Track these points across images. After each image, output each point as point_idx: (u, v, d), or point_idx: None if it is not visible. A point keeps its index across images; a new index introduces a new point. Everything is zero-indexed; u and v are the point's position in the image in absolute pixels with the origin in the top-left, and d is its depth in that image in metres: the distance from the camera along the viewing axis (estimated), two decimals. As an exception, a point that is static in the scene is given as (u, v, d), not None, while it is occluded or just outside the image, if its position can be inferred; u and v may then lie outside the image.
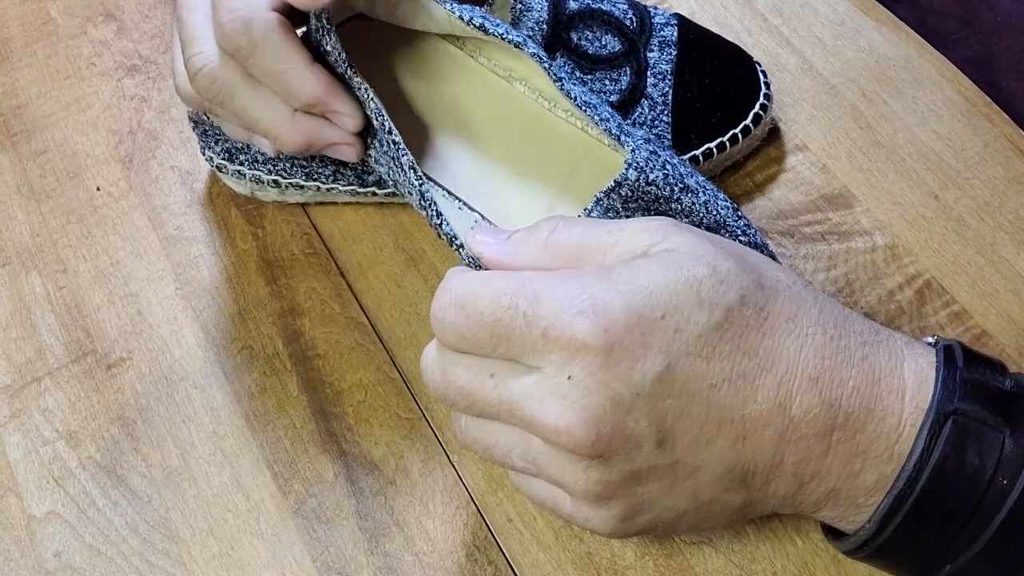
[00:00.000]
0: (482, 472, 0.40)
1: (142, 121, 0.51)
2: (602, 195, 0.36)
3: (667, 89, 0.44)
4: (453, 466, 0.40)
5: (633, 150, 0.36)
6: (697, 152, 0.44)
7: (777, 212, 0.46)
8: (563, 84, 0.38)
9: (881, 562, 0.33)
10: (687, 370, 0.30)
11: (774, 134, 0.48)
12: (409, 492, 0.39)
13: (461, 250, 0.37)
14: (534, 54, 0.38)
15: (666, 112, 0.44)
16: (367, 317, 0.44)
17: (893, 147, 0.47)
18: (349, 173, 0.45)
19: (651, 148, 0.36)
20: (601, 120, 0.37)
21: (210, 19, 0.38)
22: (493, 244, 0.33)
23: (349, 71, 0.38)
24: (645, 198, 0.36)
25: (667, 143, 0.44)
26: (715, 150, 0.45)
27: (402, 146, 0.38)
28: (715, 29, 0.48)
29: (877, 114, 0.48)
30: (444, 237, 0.38)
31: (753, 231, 0.37)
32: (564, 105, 0.41)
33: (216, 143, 0.45)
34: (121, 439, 0.41)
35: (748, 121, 0.45)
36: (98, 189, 0.49)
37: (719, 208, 0.37)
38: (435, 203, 0.38)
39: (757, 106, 0.45)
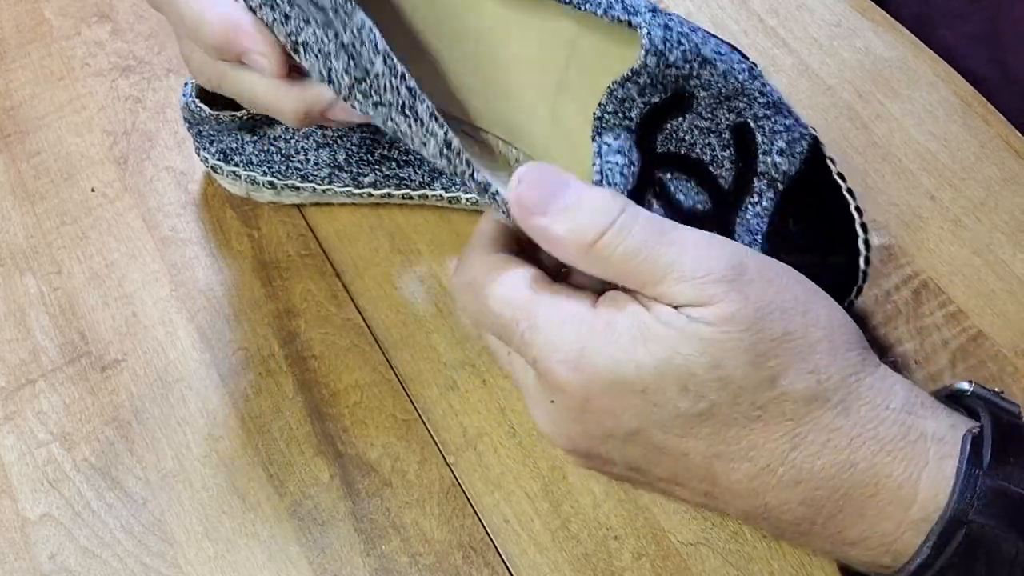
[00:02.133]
0: (479, 473, 0.40)
1: (136, 122, 0.51)
2: (616, 86, 0.32)
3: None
4: (449, 467, 0.40)
5: (649, 32, 0.31)
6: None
7: (773, 213, 0.46)
8: None
9: None
10: (658, 437, 0.30)
11: (770, 135, 0.48)
12: (405, 493, 0.39)
13: (496, 198, 0.32)
14: None
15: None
16: (363, 318, 0.44)
17: (889, 148, 0.47)
18: (345, 175, 0.45)
19: (662, 22, 0.32)
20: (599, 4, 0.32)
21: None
22: (536, 219, 0.30)
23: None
24: (664, 81, 0.32)
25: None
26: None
27: (418, 92, 0.31)
28: (711, 30, 0.48)
29: (873, 115, 0.48)
30: (476, 187, 0.32)
31: (770, 89, 0.34)
32: None
33: (211, 144, 0.45)
34: (116, 441, 0.41)
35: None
36: (92, 190, 0.48)
37: (736, 75, 0.33)
38: (461, 151, 0.31)
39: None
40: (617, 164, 0.33)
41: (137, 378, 0.43)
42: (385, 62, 0.30)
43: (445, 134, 0.31)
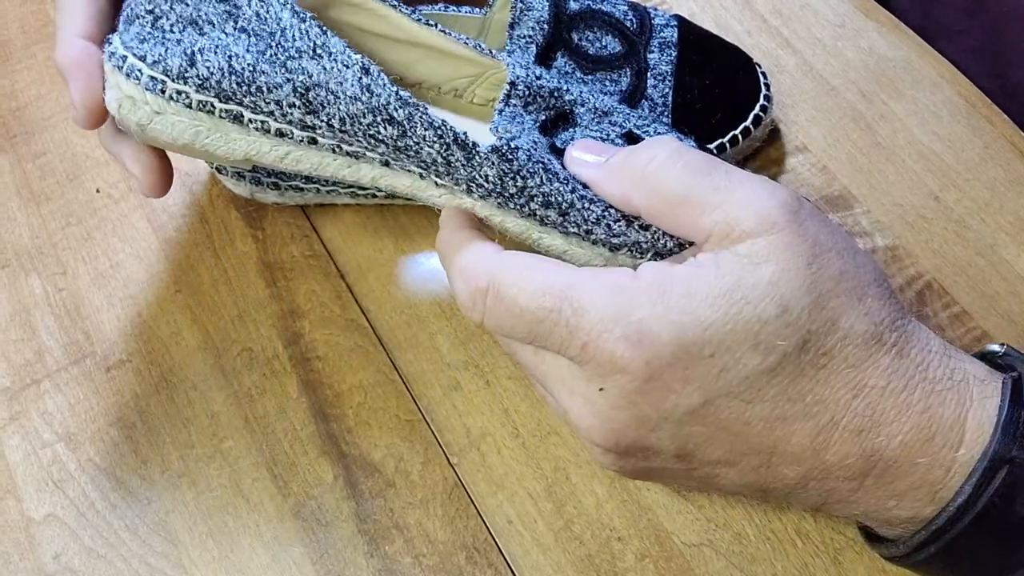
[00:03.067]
0: (482, 474, 0.40)
1: (142, 123, 0.51)
2: (502, 104, 0.34)
3: (667, 90, 0.44)
4: (453, 468, 0.40)
5: (509, 52, 0.36)
6: (697, 153, 0.44)
7: (777, 213, 0.46)
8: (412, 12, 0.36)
9: (916, 570, 0.32)
10: (723, 408, 0.28)
11: (774, 135, 0.48)
12: (409, 494, 0.39)
13: (458, 134, 0.33)
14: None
15: (666, 113, 0.44)
16: (367, 319, 0.44)
17: (893, 148, 0.47)
18: (349, 175, 0.45)
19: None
20: (464, 41, 0.36)
21: None
22: (591, 167, 0.32)
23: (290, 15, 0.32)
24: (542, 94, 0.35)
25: None
26: (715, 151, 0.45)
27: (330, 31, 0.32)
28: (715, 30, 0.48)
29: (877, 115, 0.48)
30: (430, 129, 0.33)
31: (637, 115, 0.37)
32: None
33: (216, 145, 0.45)
34: (120, 442, 0.41)
35: (748, 123, 0.45)
36: (98, 191, 0.49)
37: (602, 97, 0.36)
38: (382, 76, 0.33)
39: (757, 107, 0.45)
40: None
41: (142, 379, 0.43)
42: (293, 13, 0.32)
43: (362, 59, 0.32)
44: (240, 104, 0.34)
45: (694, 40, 0.45)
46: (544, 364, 0.31)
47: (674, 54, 0.45)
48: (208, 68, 0.33)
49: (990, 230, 0.44)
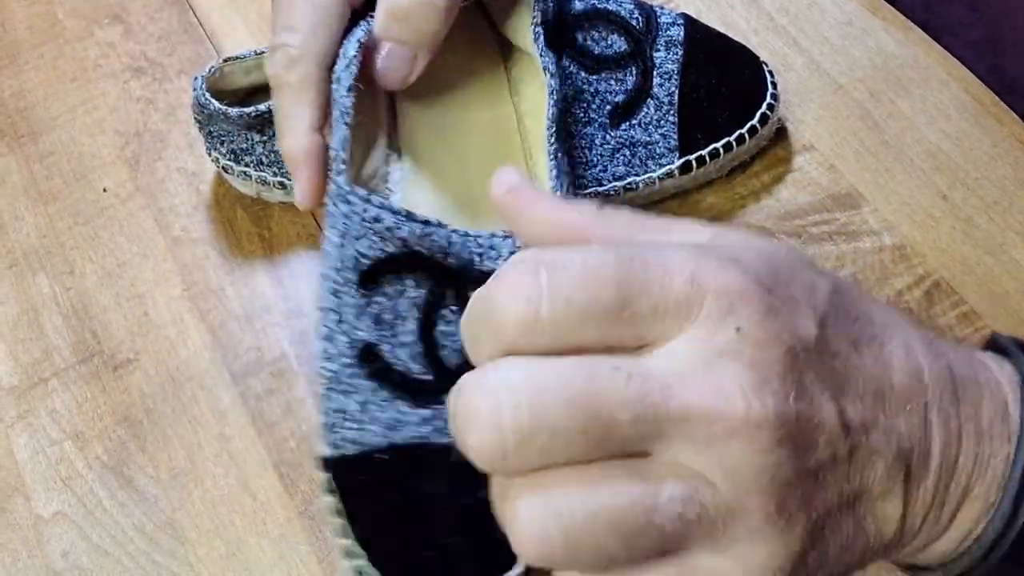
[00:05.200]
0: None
1: (148, 123, 0.51)
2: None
3: (673, 89, 0.44)
4: (459, 467, 0.40)
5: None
6: (703, 152, 0.44)
7: (784, 212, 0.46)
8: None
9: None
10: (835, 328, 0.25)
11: (781, 134, 0.48)
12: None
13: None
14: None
15: (672, 112, 0.44)
16: (373, 318, 0.44)
17: (901, 147, 0.47)
18: (355, 174, 0.45)
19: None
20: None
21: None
22: (535, 202, 0.26)
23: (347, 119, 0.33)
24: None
25: (673, 144, 0.44)
26: (721, 150, 0.44)
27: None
28: (722, 29, 0.48)
29: (885, 114, 0.48)
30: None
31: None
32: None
33: (222, 144, 0.45)
34: (128, 440, 0.41)
35: (755, 121, 0.45)
36: (105, 191, 0.49)
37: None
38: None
39: (764, 106, 0.45)
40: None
41: (149, 377, 0.43)
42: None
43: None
44: None
45: (700, 39, 0.45)
46: (649, 374, 0.22)
47: (680, 52, 0.44)
48: None
49: (999, 229, 0.44)
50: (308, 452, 0.41)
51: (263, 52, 0.46)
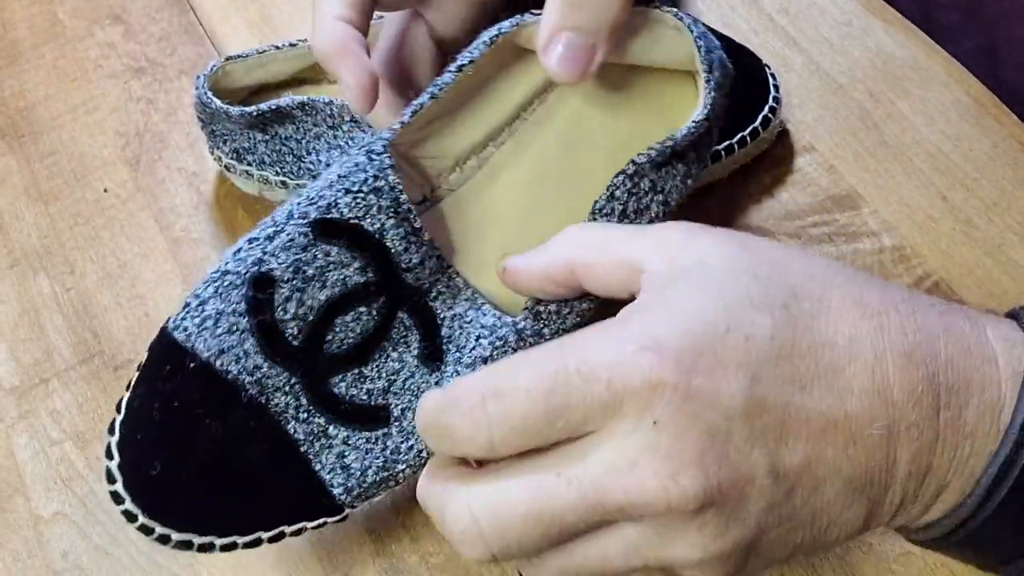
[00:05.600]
0: (489, 473, 0.40)
1: (149, 123, 0.51)
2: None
3: None
4: (460, 467, 0.40)
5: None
6: (704, 153, 0.44)
7: (784, 213, 0.46)
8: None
9: (972, 547, 0.30)
10: (773, 378, 0.26)
11: (781, 135, 0.48)
12: (415, 492, 0.39)
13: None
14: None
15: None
16: (374, 318, 0.44)
17: (901, 148, 0.47)
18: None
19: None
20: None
21: None
22: (522, 273, 0.32)
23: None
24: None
25: None
26: (723, 153, 0.45)
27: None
28: (722, 30, 0.48)
29: (885, 115, 0.48)
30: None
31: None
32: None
33: (224, 143, 0.45)
34: (128, 440, 0.41)
35: (757, 124, 0.45)
36: (105, 191, 0.49)
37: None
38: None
39: (766, 109, 0.45)
40: None
41: (149, 377, 0.43)
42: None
43: None
44: None
45: None
46: (585, 478, 0.26)
47: None
48: None
49: (998, 230, 0.44)
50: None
51: (265, 51, 0.46)
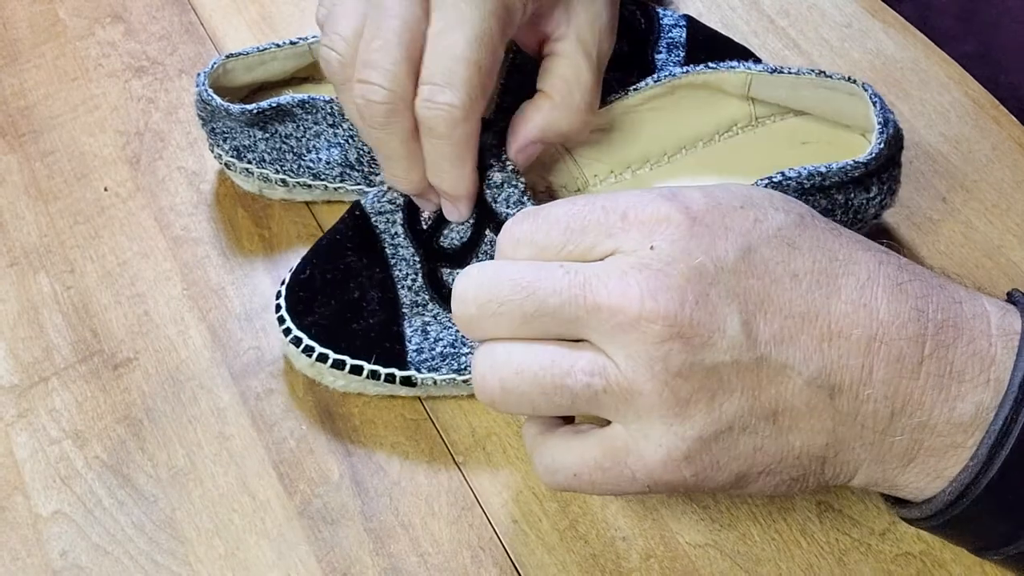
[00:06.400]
0: (487, 473, 0.40)
1: (149, 122, 0.51)
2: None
3: None
4: (458, 467, 0.40)
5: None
6: (704, 154, 0.45)
7: (784, 214, 0.46)
8: None
9: (966, 526, 0.30)
10: (768, 255, 0.29)
11: (781, 136, 0.48)
12: (414, 493, 0.39)
13: None
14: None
15: (673, 114, 0.44)
16: (373, 318, 0.44)
17: (900, 149, 0.47)
18: (356, 173, 0.45)
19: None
20: None
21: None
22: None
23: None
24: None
25: None
26: (722, 152, 0.45)
27: None
28: (722, 31, 0.48)
29: (884, 116, 0.48)
30: None
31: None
32: None
33: (224, 141, 0.45)
34: (127, 439, 0.41)
35: None
36: (105, 190, 0.49)
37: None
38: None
39: None
40: None
41: (149, 376, 0.43)
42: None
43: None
44: None
45: (703, 40, 0.46)
46: (579, 273, 0.29)
47: (682, 54, 0.45)
48: None
49: (997, 232, 0.44)
50: (308, 452, 0.41)
51: (265, 49, 0.46)
